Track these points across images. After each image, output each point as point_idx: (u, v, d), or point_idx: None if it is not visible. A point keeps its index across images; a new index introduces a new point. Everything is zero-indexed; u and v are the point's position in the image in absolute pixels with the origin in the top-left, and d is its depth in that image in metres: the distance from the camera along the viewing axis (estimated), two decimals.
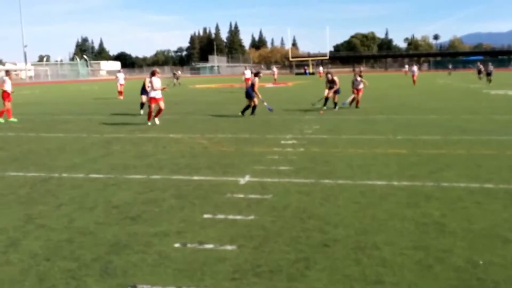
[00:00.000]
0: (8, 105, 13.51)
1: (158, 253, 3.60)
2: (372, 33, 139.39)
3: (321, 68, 60.61)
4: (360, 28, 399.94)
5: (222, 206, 4.76)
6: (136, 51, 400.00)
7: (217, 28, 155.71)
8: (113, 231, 4.09)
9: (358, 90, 15.20)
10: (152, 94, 11.63)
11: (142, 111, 14.58)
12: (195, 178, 6.00)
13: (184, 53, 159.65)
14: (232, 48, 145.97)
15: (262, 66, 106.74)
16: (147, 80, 14.52)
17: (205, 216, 4.46)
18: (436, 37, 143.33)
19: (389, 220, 4.23)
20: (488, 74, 30.74)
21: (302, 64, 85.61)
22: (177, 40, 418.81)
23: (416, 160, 6.86)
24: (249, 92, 13.47)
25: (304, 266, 3.31)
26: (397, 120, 11.92)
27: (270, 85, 35.12)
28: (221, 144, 8.71)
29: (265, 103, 14.19)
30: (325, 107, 14.05)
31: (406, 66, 56.67)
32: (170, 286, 3.07)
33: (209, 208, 4.68)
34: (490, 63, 32.58)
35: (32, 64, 80.00)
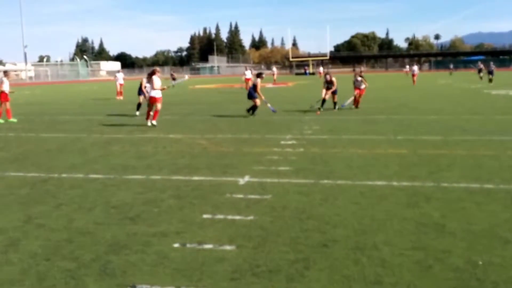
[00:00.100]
0: (7, 105, 13.49)
1: (157, 253, 3.60)
2: (373, 33, 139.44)
3: (321, 68, 60.62)
4: (361, 28, 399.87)
5: (221, 206, 4.76)
6: (136, 52, 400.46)
7: (217, 28, 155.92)
8: (112, 231, 4.09)
9: (360, 90, 15.16)
10: (152, 93, 11.53)
11: (138, 112, 14.37)
12: (195, 178, 6.00)
13: (184, 53, 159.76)
14: (232, 48, 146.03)
15: (262, 66, 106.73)
16: (144, 80, 14.48)
17: (204, 216, 4.46)
18: (437, 37, 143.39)
19: (389, 221, 4.23)
20: (490, 73, 30.67)
21: (302, 64, 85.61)
22: (177, 40, 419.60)
23: (416, 160, 6.86)
24: (251, 93, 13.46)
25: (303, 266, 3.31)
26: (397, 120, 11.92)
27: (270, 85, 35.12)
28: (220, 144, 8.71)
29: (269, 105, 14.18)
30: (322, 109, 14.02)
31: (407, 66, 56.65)
32: (169, 286, 3.07)
33: (208, 208, 4.68)
34: (491, 62, 32.54)
35: (32, 65, 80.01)
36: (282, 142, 8.70)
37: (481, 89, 25.24)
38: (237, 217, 4.39)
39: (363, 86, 15.20)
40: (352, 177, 5.90)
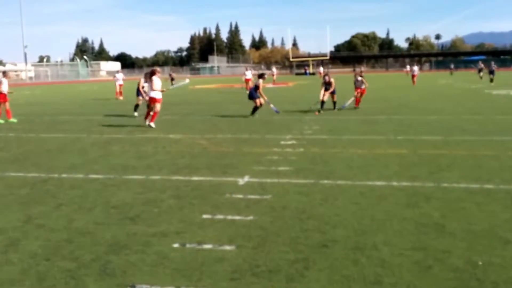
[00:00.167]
0: (7, 105, 13.47)
1: (157, 253, 3.60)
2: (373, 33, 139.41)
3: (321, 68, 60.55)
4: (361, 28, 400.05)
5: (221, 206, 4.77)
6: (136, 52, 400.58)
7: (217, 28, 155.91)
8: (112, 231, 4.10)
9: (361, 90, 15.11)
10: (152, 94, 11.30)
11: (136, 113, 14.08)
12: (194, 178, 6.00)
13: (184, 53, 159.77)
14: (232, 48, 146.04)
15: (262, 66, 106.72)
16: (142, 80, 14.32)
17: (204, 216, 4.46)
18: (437, 37, 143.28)
19: (388, 221, 4.23)
20: (491, 73, 30.59)
21: (302, 64, 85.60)
22: (177, 40, 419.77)
23: (417, 160, 6.86)
24: (252, 94, 13.43)
25: (303, 266, 3.31)
26: (397, 120, 11.92)
27: (270, 85, 35.12)
28: (220, 144, 8.71)
29: (272, 105, 14.17)
30: (321, 111, 14.01)
31: (408, 66, 56.58)
32: (169, 286, 3.07)
33: (208, 209, 4.69)
34: (493, 62, 32.45)
35: (32, 65, 79.96)
36: (282, 142, 8.70)
37: (482, 89, 25.22)
38: (237, 217, 4.40)
39: (363, 86, 15.17)
40: (352, 177, 5.90)
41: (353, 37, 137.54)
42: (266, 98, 13.63)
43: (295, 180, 5.79)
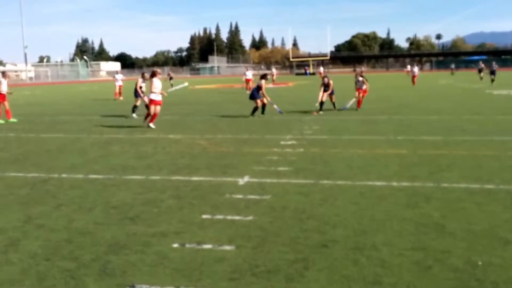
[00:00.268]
0: (6, 106, 13.46)
1: (157, 253, 3.61)
2: (374, 32, 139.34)
3: (321, 68, 60.51)
4: (362, 28, 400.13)
5: (221, 206, 4.77)
6: (136, 52, 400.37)
7: (217, 29, 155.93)
8: (112, 232, 4.10)
9: (362, 91, 15.03)
10: (152, 96, 11.08)
11: (135, 115, 13.91)
12: (194, 178, 6.00)
13: (184, 53, 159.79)
14: (232, 48, 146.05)
15: (262, 67, 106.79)
16: (140, 80, 14.21)
17: (204, 216, 4.46)
18: (438, 36, 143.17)
19: (388, 221, 4.23)
20: (492, 73, 30.51)
21: (302, 65, 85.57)
22: (177, 40, 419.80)
23: (417, 160, 6.86)
24: (253, 94, 13.43)
25: (303, 266, 3.31)
26: (398, 120, 11.91)
27: (270, 85, 35.12)
28: (220, 144, 8.71)
29: (275, 106, 14.18)
30: (321, 112, 14.00)
31: (408, 66, 56.51)
32: (169, 286, 3.07)
33: (207, 209, 4.69)
34: (494, 62, 32.36)
35: (32, 65, 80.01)
36: (282, 143, 8.70)
37: (483, 89, 25.21)
38: (237, 217, 4.40)
39: (364, 87, 15.09)
40: (352, 177, 5.90)
41: (353, 37, 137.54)
42: (269, 98, 13.62)
43: (295, 180, 5.79)
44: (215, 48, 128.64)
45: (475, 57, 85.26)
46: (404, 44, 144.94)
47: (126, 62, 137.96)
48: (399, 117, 12.69)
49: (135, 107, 14.20)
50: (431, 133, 9.59)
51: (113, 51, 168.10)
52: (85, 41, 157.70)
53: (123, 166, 6.88)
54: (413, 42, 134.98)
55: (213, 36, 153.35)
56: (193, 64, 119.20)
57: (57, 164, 7.13)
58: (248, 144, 8.61)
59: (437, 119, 11.97)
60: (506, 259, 3.38)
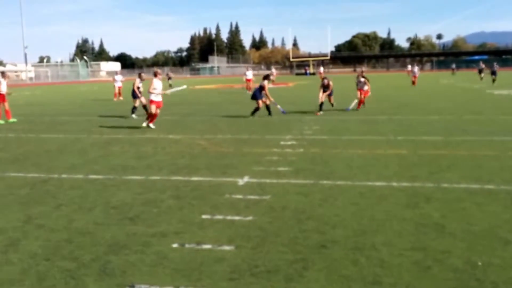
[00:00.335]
0: (6, 106, 13.46)
1: (156, 253, 3.61)
2: (374, 32, 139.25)
3: (321, 68, 60.48)
4: (362, 28, 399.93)
5: (221, 206, 4.77)
6: (136, 52, 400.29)
7: (217, 29, 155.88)
8: (112, 232, 4.10)
9: (364, 92, 14.99)
10: (152, 96, 10.97)
11: (134, 115, 13.89)
12: (194, 179, 6.00)
13: (184, 53, 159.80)
14: (232, 48, 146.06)
15: (262, 67, 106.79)
16: (137, 80, 14.18)
17: (204, 216, 4.46)
18: (439, 36, 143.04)
19: (388, 221, 4.23)
20: (493, 73, 30.43)
21: (303, 65, 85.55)
22: (177, 40, 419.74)
23: (417, 161, 6.86)
24: (255, 94, 13.40)
25: (302, 266, 3.31)
26: (398, 120, 11.91)
27: (270, 86, 35.08)
28: (220, 145, 8.71)
29: (278, 106, 14.17)
30: (321, 112, 13.99)
31: (409, 66, 56.49)
32: (168, 286, 3.07)
33: (207, 209, 4.69)
34: (495, 63, 32.28)
35: (32, 65, 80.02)
36: (282, 143, 8.71)
37: (484, 89, 25.19)
38: (236, 218, 4.40)
39: (366, 87, 15.05)
40: (352, 177, 5.90)
41: (354, 37, 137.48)
42: (272, 99, 13.62)
43: (295, 181, 5.79)
44: (215, 48, 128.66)
45: (476, 57, 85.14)
46: (405, 44, 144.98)
47: (126, 62, 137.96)
48: (399, 117, 12.69)
49: (134, 108, 14.18)
50: (431, 133, 9.59)
51: (113, 51, 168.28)
52: (85, 41, 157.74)
53: (123, 166, 6.88)
54: (414, 42, 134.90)
55: (213, 36, 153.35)
56: (193, 64, 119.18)
57: (57, 164, 7.13)
58: (248, 144, 8.62)
59: (437, 119, 11.97)
60: (506, 259, 3.37)
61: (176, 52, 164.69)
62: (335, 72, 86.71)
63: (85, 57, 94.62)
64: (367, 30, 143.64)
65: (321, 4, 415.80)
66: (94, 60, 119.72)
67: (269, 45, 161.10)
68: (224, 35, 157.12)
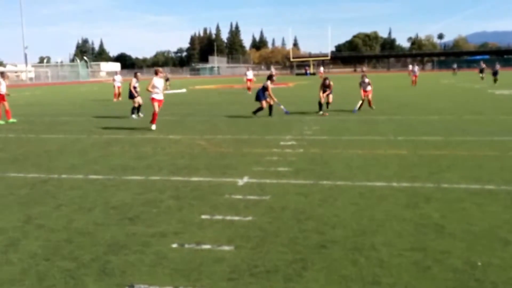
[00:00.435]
0: (6, 106, 13.46)
1: (156, 253, 3.61)
2: (375, 32, 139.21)
3: (321, 69, 60.51)
4: (363, 28, 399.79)
5: (220, 207, 4.77)
6: (136, 52, 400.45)
7: (217, 29, 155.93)
8: (111, 232, 4.10)
9: (367, 92, 14.94)
10: (154, 94, 10.91)
11: (134, 115, 13.88)
12: (194, 179, 6.00)
13: (184, 53, 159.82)
14: (232, 48, 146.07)
15: (262, 67, 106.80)
16: (134, 80, 14.17)
17: (203, 217, 4.47)
18: (440, 36, 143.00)
19: (388, 221, 4.23)
20: (494, 74, 30.34)
21: (303, 65, 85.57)
22: (177, 40, 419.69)
23: (417, 161, 6.85)
24: (259, 95, 13.39)
25: (301, 266, 3.31)
26: (398, 120, 11.91)
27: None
28: (220, 145, 8.72)
29: (282, 106, 14.17)
30: (321, 112, 13.98)
31: (410, 66, 56.48)
32: (168, 286, 3.07)
33: (207, 209, 4.69)
34: (497, 63, 32.19)
35: (32, 66, 79.98)
36: (282, 143, 8.71)
37: (485, 89, 25.17)
38: (236, 218, 4.40)
39: (369, 88, 15.00)
40: (351, 177, 5.90)
41: (354, 36, 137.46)
42: (275, 99, 13.62)
43: (295, 181, 5.79)
44: (215, 48, 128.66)
45: (478, 57, 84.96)
46: (406, 44, 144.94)
47: (126, 62, 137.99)
48: (400, 117, 12.69)
49: (133, 108, 14.17)
50: (431, 133, 9.59)
51: (113, 52, 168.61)
52: (85, 41, 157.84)
53: (123, 166, 6.89)
54: (415, 42, 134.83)
55: (213, 36, 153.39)
56: (193, 64, 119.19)
57: (57, 165, 7.13)
58: (247, 145, 8.62)
59: (437, 119, 11.96)
60: (506, 259, 3.37)
61: (176, 52, 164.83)
62: (336, 72, 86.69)
63: (85, 58, 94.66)
64: (367, 30, 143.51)
65: (321, 4, 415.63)
66: (94, 61, 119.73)
67: (269, 45, 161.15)
68: (224, 35, 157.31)
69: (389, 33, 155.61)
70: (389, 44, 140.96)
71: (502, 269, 3.21)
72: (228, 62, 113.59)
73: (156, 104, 10.92)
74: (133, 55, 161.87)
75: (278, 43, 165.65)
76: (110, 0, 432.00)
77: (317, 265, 3.34)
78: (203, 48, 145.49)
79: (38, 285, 3.13)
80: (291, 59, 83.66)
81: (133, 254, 3.60)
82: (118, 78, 23.71)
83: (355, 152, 7.67)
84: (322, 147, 8.17)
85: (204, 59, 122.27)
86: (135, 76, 14.47)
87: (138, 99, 13.99)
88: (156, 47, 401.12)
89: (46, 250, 3.72)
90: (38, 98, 27.60)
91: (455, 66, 56.80)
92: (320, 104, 14.20)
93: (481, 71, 35.93)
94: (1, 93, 13.30)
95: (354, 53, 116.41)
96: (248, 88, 26.43)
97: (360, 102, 15.03)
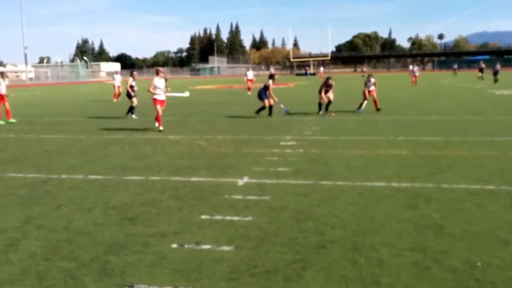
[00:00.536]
0: (7, 106, 13.47)
1: (156, 253, 3.61)
2: (375, 32, 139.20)
3: (321, 69, 60.50)
4: (363, 28, 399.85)
5: (220, 207, 4.77)
6: (136, 52, 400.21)
7: (217, 29, 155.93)
8: (111, 232, 4.10)
9: (370, 92, 14.90)
10: (155, 96, 10.81)
11: (134, 116, 13.84)
12: (194, 179, 6.00)
13: (184, 54, 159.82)
14: (232, 48, 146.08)
15: (262, 67, 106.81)
16: (130, 79, 14.12)
17: (203, 217, 4.47)
18: (440, 36, 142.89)
19: (387, 222, 4.23)
20: (495, 74, 30.28)
21: (303, 65, 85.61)
22: (177, 41, 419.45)
23: (417, 161, 6.85)
24: (261, 94, 13.40)
25: (301, 266, 3.32)
26: (398, 121, 11.91)
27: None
28: (220, 145, 8.72)
29: (282, 105, 14.18)
30: (321, 112, 13.99)
31: (410, 66, 56.48)
32: (167, 286, 3.07)
33: (206, 209, 4.69)
34: (497, 63, 32.13)
35: (32, 66, 79.97)
36: (282, 143, 8.71)
37: (485, 89, 25.17)
38: (236, 218, 4.40)
39: (372, 88, 14.99)
40: (351, 178, 5.90)
41: (354, 37, 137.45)
42: (276, 98, 13.62)
43: (294, 181, 5.79)
44: (215, 48, 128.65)
45: (478, 57, 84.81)
46: (406, 44, 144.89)
47: (126, 62, 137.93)
48: (400, 117, 12.69)
49: (132, 108, 14.12)
50: (431, 133, 9.59)
51: (113, 52, 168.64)
52: (85, 41, 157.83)
53: (123, 166, 6.89)
54: (415, 42, 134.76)
55: (213, 36, 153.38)
56: (193, 64, 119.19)
57: (57, 165, 7.14)
58: (247, 145, 8.62)
59: (438, 119, 11.97)
60: (506, 260, 3.37)
61: (176, 53, 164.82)
62: (336, 72, 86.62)
63: (85, 58, 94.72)
64: (368, 30, 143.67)
65: (321, 4, 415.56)
66: (94, 61, 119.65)
67: (270, 45, 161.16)
68: (224, 35, 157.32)
69: (389, 33, 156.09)
70: (389, 44, 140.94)
71: (501, 269, 3.21)
72: (228, 62, 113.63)
73: (158, 107, 10.79)
74: (133, 55, 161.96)
75: (278, 43, 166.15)
76: (110, 0, 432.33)
77: (316, 265, 3.34)
78: (203, 48, 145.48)
79: (38, 285, 3.13)
80: (291, 59, 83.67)
81: (133, 254, 3.61)
82: (118, 77, 23.69)
83: (355, 152, 7.67)
84: (322, 147, 8.17)
85: (204, 59, 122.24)
86: (131, 75, 14.52)
87: (134, 100, 13.98)
88: (156, 47, 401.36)
89: (46, 250, 3.73)
90: (38, 98, 27.60)
91: (455, 66, 56.76)
92: (320, 105, 14.20)
93: (481, 70, 35.87)
94: (1, 93, 13.31)
95: (354, 53, 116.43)
96: (248, 89, 26.43)
97: (365, 102, 14.98)
